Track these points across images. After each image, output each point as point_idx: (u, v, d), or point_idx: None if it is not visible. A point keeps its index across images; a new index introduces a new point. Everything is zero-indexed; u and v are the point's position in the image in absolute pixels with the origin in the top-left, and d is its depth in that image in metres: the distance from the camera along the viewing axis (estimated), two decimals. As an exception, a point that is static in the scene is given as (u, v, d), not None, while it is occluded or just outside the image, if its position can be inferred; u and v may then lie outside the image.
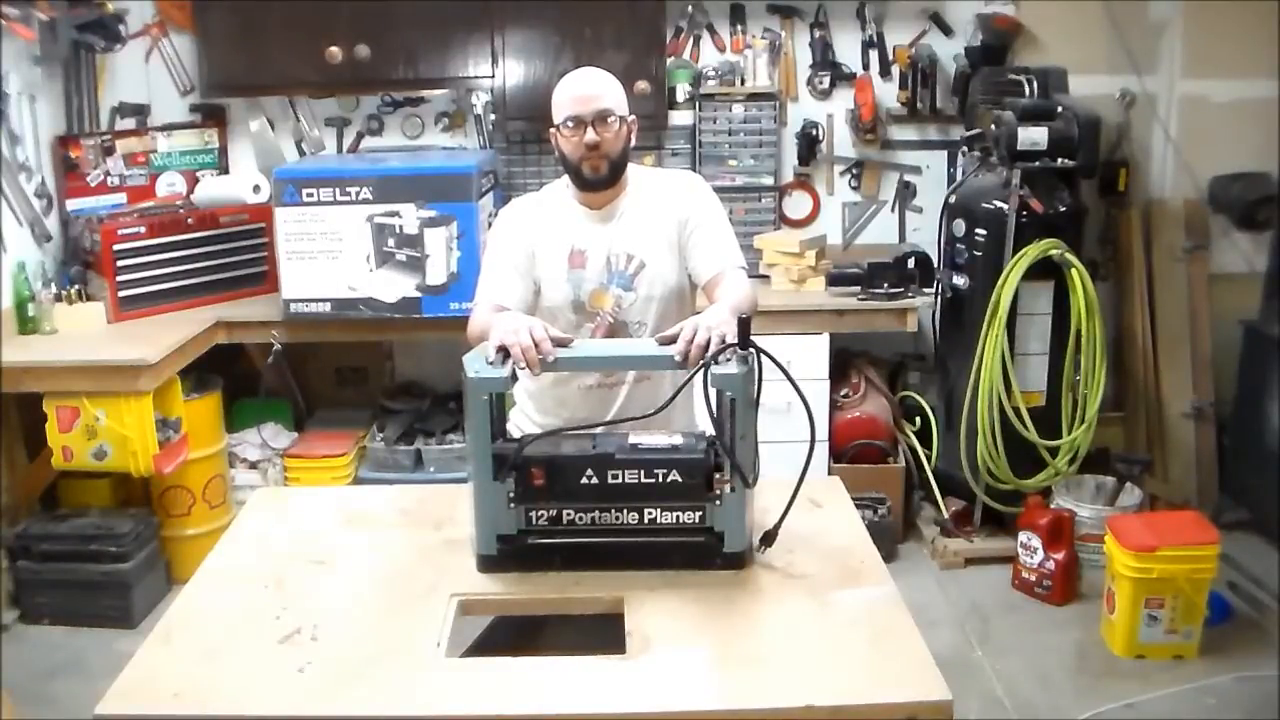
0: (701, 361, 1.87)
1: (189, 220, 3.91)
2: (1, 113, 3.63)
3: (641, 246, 2.30)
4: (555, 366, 1.97)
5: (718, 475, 1.86)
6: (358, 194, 3.61)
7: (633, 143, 2.29)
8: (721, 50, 4.29)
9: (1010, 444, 3.75)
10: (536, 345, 1.90)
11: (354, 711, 1.57)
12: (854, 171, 4.38)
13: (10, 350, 3.40)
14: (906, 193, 4.41)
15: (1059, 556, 3.59)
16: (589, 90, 2.25)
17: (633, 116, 2.28)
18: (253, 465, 4.07)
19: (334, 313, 3.71)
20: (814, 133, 4.24)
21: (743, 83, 4.24)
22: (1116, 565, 3.28)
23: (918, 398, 4.21)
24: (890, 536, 3.87)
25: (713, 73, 4.24)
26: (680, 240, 2.30)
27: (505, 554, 1.90)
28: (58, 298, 3.65)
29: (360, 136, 4.40)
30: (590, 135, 2.20)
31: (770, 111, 4.23)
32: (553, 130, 2.28)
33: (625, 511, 1.88)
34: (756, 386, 1.86)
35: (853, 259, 4.13)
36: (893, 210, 4.43)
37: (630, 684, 1.61)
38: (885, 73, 4.30)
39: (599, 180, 2.26)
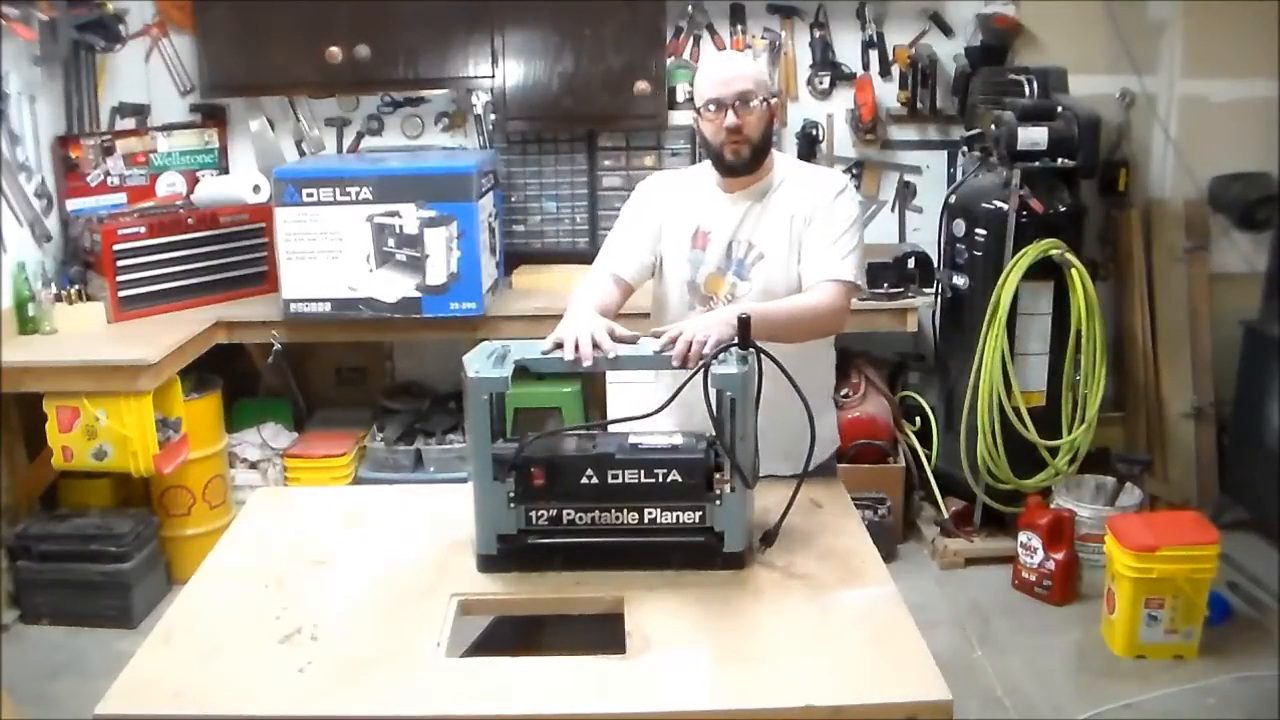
0: (701, 362, 1.87)
1: (189, 220, 3.91)
2: (1, 113, 3.63)
3: (764, 238, 2.26)
4: (540, 366, 2.00)
5: (718, 475, 1.86)
6: (358, 194, 3.60)
7: (776, 125, 2.26)
8: (722, 50, 4.28)
9: (1010, 444, 3.75)
10: (597, 346, 1.95)
11: (354, 711, 1.57)
12: (854, 171, 4.38)
13: (10, 350, 3.40)
14: (906, 193, 4.41)
15: (1059, 556, 3.59)
16: (729, 72, 2.21)
17: (775, 98, 2.24)
18: (253, 465, 4.07)
19: (334, 313, 3.71)
20: (814, 133, 4.24)
21: (743, 83, 4.24)
22: (1116, 565, 3.28)
23: (918, 398, 4.21)
24: (890, 536, 3.87)
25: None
26: (800, 238, 2.26)
27: (505, 554, 1.90)
28: (58, 298, 3.66)
29: (360, 136, 4.40)
30: (731, 118, 2.17)
31: (770, 111, 4.23)
32: (694, 115, 2.27)
33: (625, 511, 1.88)
34: (757, 386, 1.87)
35: (853, 259, 4.12)
36: (893, 210, 4.43)
37: (630, 684, 1.61)
38: (885, 73, 4.30)
39: (741, 164, 2.23)
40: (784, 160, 2.34)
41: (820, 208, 2.24)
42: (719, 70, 2.25)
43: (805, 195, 2.26)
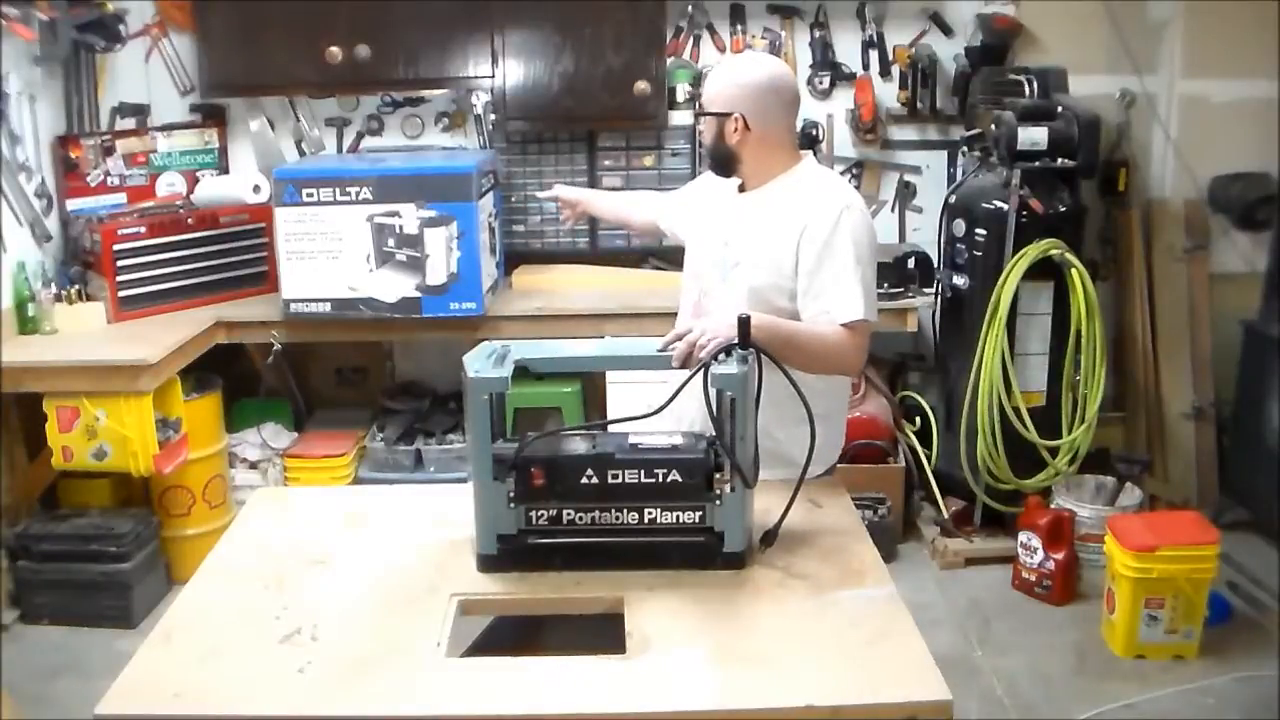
0: (701, 362, 1.88)
1: (189, 220, 3.91)
2: (1, 113, 3.63)
3: (746, 244, 2.26)
4: (540, 366, 2.00)
5: (718, 475, 1.86)
6: (358, 194, 3.60)
7: (735, 139, 2.24)
8: (721, 50, 4.28)
9: (1010, 444, 3.75)
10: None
11: (354, 711, 1.57)
12: (854, 171, 4.38)
13: (10, 350, 3.40)
14: (906, 193, 4.41)
15: (1059, 556, 3.59)
16: (705, 83, 2.38)
17: (737, 114, 2.22)
18: (253, 465, 4.06)
19: (334, 313, 3.70)
20: (814, 133, 4.24)
21: (743, 82, 4.24)
22: (1116, 565, 3.28)
23: (918, 398, 4.21)
24: (890, 536, 3.87)
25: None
26: (794, 262, 2.19)
27: (505, 554, 1.90)
28: (58, 298, 3.65)
29: (360, 136, 4.40)
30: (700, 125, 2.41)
31: (770, 111, 4.22)
32: None
33: (625, 511, 1.88)
34: (756, 386, 1.87)
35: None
36: (893, 210, 4.43)
37: (630, 684, 1.61)
38: (885, 73, 4.30)
39: (709, 166, 2.40)
40: (801, 172, 2.30)
41: (814, 242, 2.17)
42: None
43: (800, 215, 2.20)
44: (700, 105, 2.34)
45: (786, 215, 2.22)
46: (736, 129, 2.23)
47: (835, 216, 2.17)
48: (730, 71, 2.30)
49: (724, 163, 2.31)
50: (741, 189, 2.35)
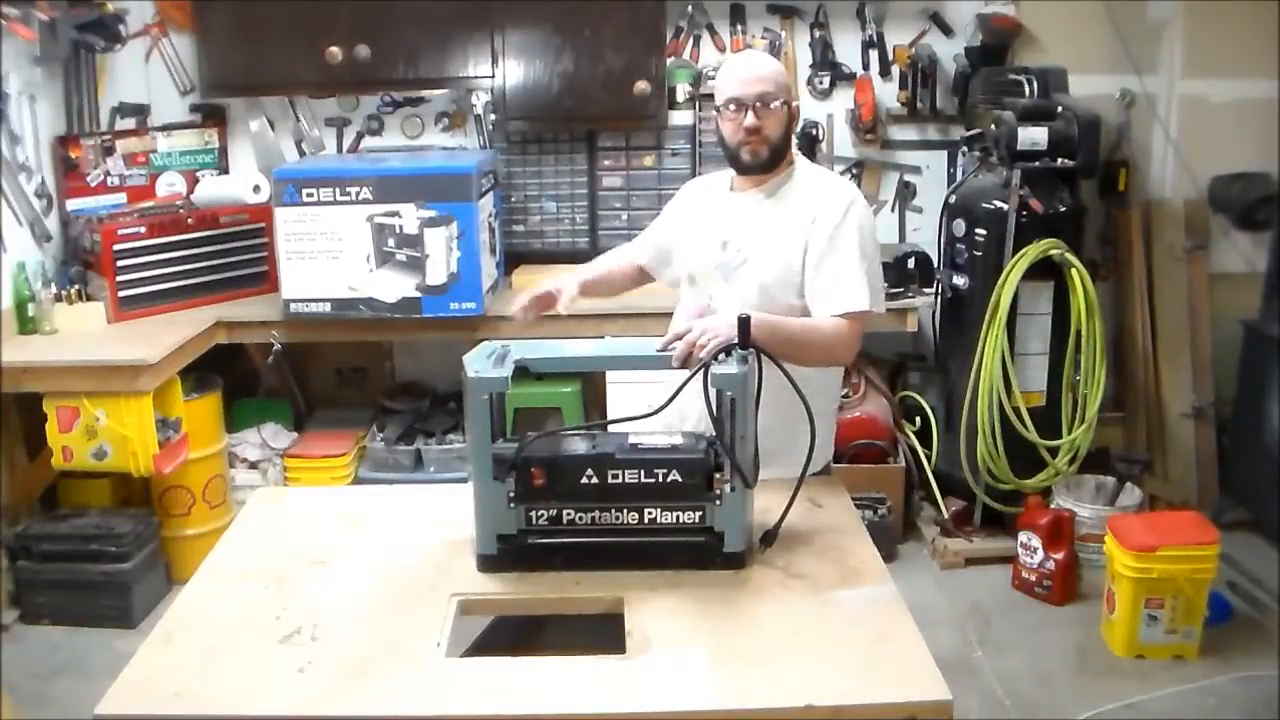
0: (700, 364, 1.88)
1: (189, 220, 3.91)
2: (1, 113, 3.63)
3: (753, 242, 2.25)
4: (540, 366, 2.01)
5: (718, 475, 1.86)
6: (358, 194, 3.60)
7: (796, 128, 2.27)
8: (721, 50, 4.28)
9: (1010, 444, 3.75)
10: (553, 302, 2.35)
11: (354, 711, 1.57)
12: (854, 171, 4.38)
13: (10, 350, 3.40)
14: (906, 193, 4.41)
15: (1059, 556, 3.59)
16: (752, 73, 2.23)
17: (797, 102, 2.26)
18: (253, 465, 4.07)
19: (334, 313, 3.71)
20: (814, 133, 4.23)
21: (743, 83, 4.24)
22: (1116, 565, 3.28)
23: (918, 398, 4.21)
24: (890, 536, 3.87)
25: (713, 73, 4.24)
26: (802, 257, 2.21)
27: (505, 554, 1.90)
28: (58, 298, 3.66)
29: (360, 136, 4.40)
30: (750, 119, 2.19)
31: (770, 111, 4.22)
32: (714, 113, 2.30)
33: (625, 511, 1.88)
34: (757, 386, 1.87)
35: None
36: (893, 210, 4.43)
37: (630, 684, 1.61)
38: (885, 73, 4.30)
39: (757, 164, 2.24)
40: (800, 169, 2.31)
41: (822, 235, 2.18)
42: (742, 70, 2.26)
43: (807, 209, 2.22)
44: (763, 95, 2.19)
45: (794, 211, 2.23)
46: (795, 117, 2.27)
47: (843, 210, 2.20)
48: (769, 61, 2.32)
49: (782, 155, 2.26)
50: (731, 188, 2.33)
